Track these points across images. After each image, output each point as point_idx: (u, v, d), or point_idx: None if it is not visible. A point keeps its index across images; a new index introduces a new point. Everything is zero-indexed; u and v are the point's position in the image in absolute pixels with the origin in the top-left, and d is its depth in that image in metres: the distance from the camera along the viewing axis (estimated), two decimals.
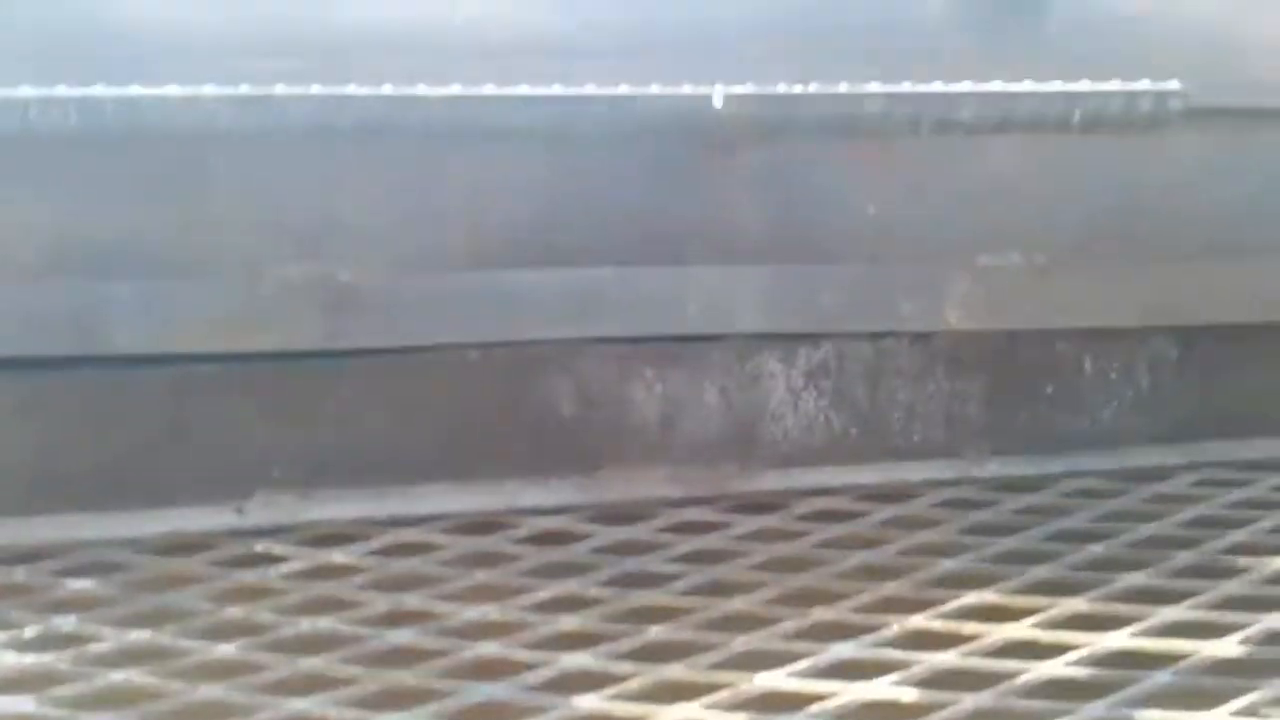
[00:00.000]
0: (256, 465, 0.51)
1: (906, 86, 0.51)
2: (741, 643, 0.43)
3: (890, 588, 0.46)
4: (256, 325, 0.52)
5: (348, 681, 0.40)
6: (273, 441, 0.51)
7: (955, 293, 0.57)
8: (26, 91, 0.47)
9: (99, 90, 0.47)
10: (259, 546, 0.48)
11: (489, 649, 0.42)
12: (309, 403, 0.52)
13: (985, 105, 0.51)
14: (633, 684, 0.40)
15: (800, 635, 0.43)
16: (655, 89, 0.49)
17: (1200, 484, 0.55)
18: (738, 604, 0.46)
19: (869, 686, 0.40)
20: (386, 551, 0.49)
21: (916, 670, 0.40)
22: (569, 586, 0.47)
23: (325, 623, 0.43)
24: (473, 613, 0.45)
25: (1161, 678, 0.40)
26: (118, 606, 0.44)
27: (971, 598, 0.45)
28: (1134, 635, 0.42)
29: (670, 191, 0.54)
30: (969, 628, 0.43)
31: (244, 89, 0.48)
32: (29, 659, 0.41)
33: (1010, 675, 0.40)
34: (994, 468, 0.57)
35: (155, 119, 0.48)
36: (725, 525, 0.52)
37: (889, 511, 0.53)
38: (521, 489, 0.53)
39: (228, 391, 0.51)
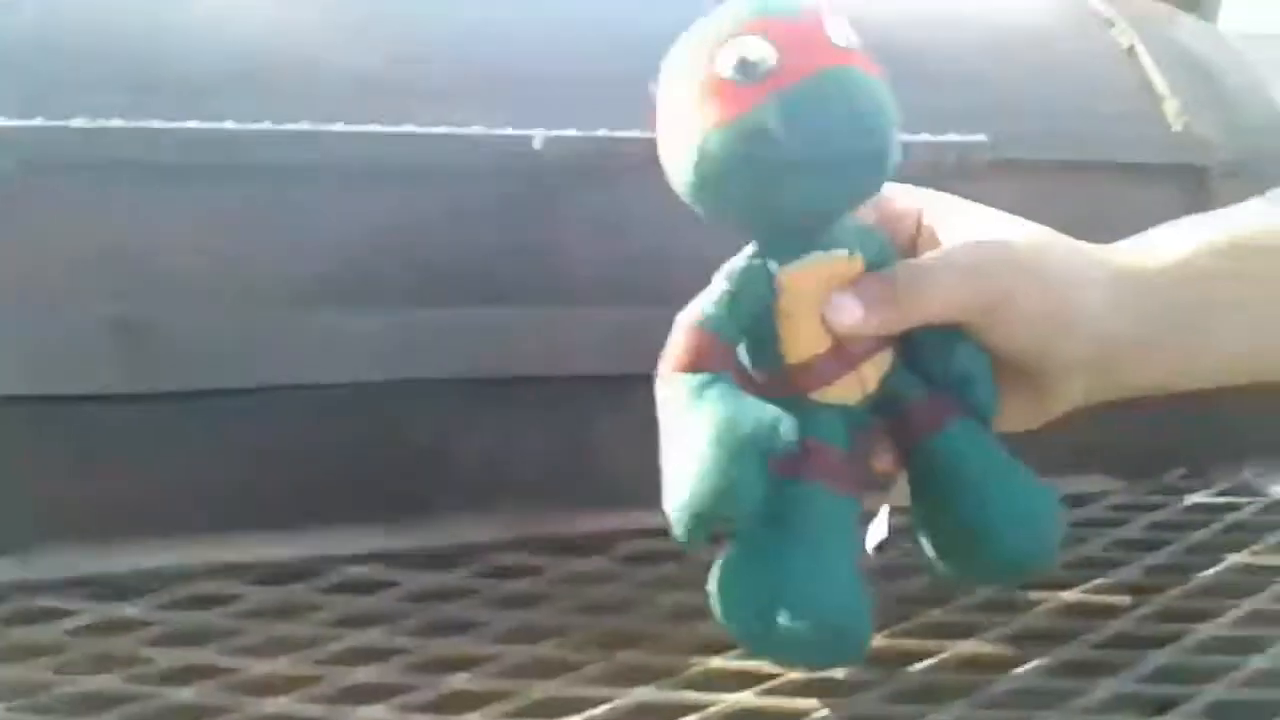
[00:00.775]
0: (45, 513, 0.48)
1: None
2: (541, 689, 0.42)
3: (701, 629, 0.46)
4: (52, 365, 0.49)
5: None
6: (63, 488, 0.49)
7: None
8: None
9: None
10: (44, 600, 0.46)
11: (276, 704, 0.40)
12: (106, 447, 0.50)
13: None
14: None
15: (603, 679, 0.43)
16: (476, 129, 0.49)
17: None
18: (545, 649, 0.45)
19: None
20: (181, 604, 0.47)
21: (712, 712, 0.41)
22: (371, 636, 0.46)
23: (106, 680, 0.42)
24: (264, 667, 0.43)
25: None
26: None
27: None
28: (929, 671, 0.43)
29: (497, 232, 0.54)
30: (768, 667, 0.43)
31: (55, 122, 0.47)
32: None
33: (804, 714, 0.41)
34: None
35: None
36: (544, 569, 0.51)
37: (711, 553, 0.53)
38: (332, 536, 0.51)
39: (17, 434, 0.49)
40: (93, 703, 0.40)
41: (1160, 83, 0.69)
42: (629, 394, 0.55)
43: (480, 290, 0.53)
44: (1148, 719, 0.42)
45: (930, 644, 0.45)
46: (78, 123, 0.47)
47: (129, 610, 0.46)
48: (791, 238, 0.41)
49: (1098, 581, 0.51)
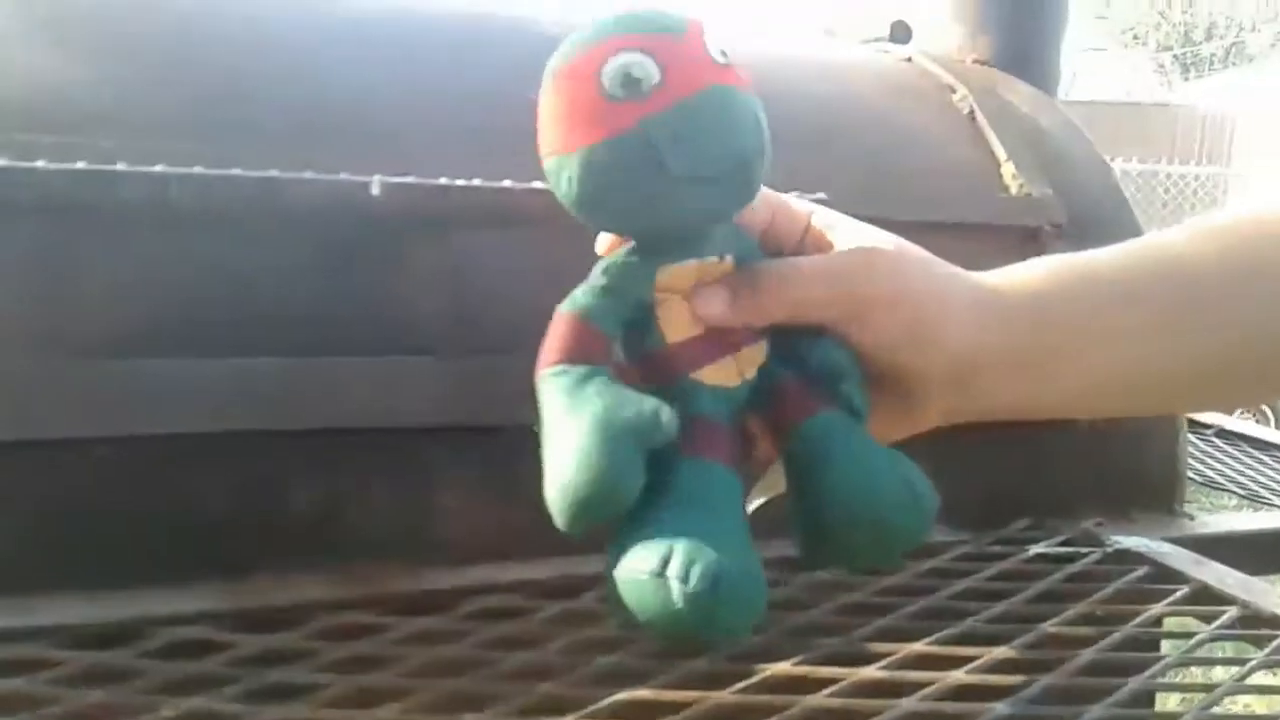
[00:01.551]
0: None
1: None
2: None
3: (545, 688, 0.45)
4: None
5: None
6: None
7: None
8: None
9: None
10: None
11: None
12: None
13: None
14: None
15: None
16: (308, 174, 0.47)
17: (853, 573, 0.57)
18: (384, 714, 0.43)
19: None
20: None
21: None
22: (197, 703, 0.43)
23: None
24: None
25: None
26: None
27: (623, 694, 0.45)
28: None
29: (332, 280, 0.52)
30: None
31: None
32: None
33: None
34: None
35: None
36: (384, 628, 0.49)
37: (557, 607, 0.52)
38: (158, 597, 0.48)
39: None
40: None
41: (998, 147, 0.72)
42: (469, 446, 0.55)
43: (314, 339, 0.51)
44: None
45: (776, 699, 0.45)
46: None
47: None
48: (671, 243, 0.42)
49: (946, 632, 0.51)
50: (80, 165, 0.45)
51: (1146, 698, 0.49)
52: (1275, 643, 0.51)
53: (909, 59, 0.84)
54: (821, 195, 0.55)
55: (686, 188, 0.39)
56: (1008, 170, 0.72)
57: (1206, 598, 0.56)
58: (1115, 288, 0.48)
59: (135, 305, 0.49)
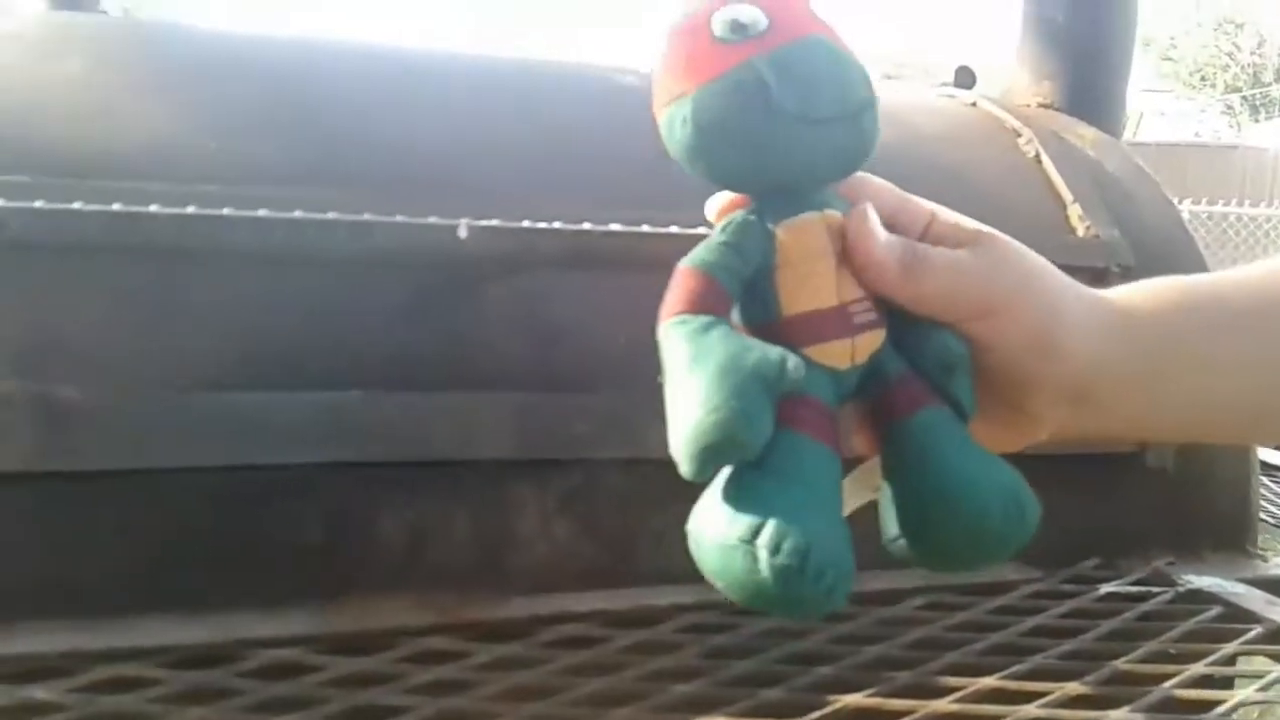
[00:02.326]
0: None
1: (645, 228, 0.54)
2: None
3: (621, 714, 0.47)
4: None
5: None
6: None
7: None
8: None
9: None
10: None
11: None
12: (15, 526, 0.49)
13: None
14: None
15: None
16: (399, 218, 0.50)
17: (926, 607, 0.58)
18: None
19: None
20: (96, 687, 0.46)
21: None
22: None
23: None
24: None
25: None
26: None
27: None
28: None
29: (419, 319, 0.55)
30: None
31: None
32: None
33: None
34: None
35: None
36: (467, 654, 0.51)
37: (633, 637, 0.54)
38: (254, 620, 0.51)
39: None
40: None
41: (1064, 190, 0.73)
42: (545, 478, 0.56)
43: (402, 375, 0.53)
44: None
45: None
46: None
47: (39, 694, 0.45)
48: (785, 198, 0.42)
49: (1016, 668, 0.52)
50: (190, 210, 0.48)
51: None
52: None
53: (974, 103, 0.85)
54: None
55: (800, 129, 0.39)
56: (1074, 212, 0.72)
57: (1279, 638, 0.56)
58: (1241, 315, 0.47)
59: (237, 342, 0.52)
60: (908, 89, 0.92)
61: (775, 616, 0.43)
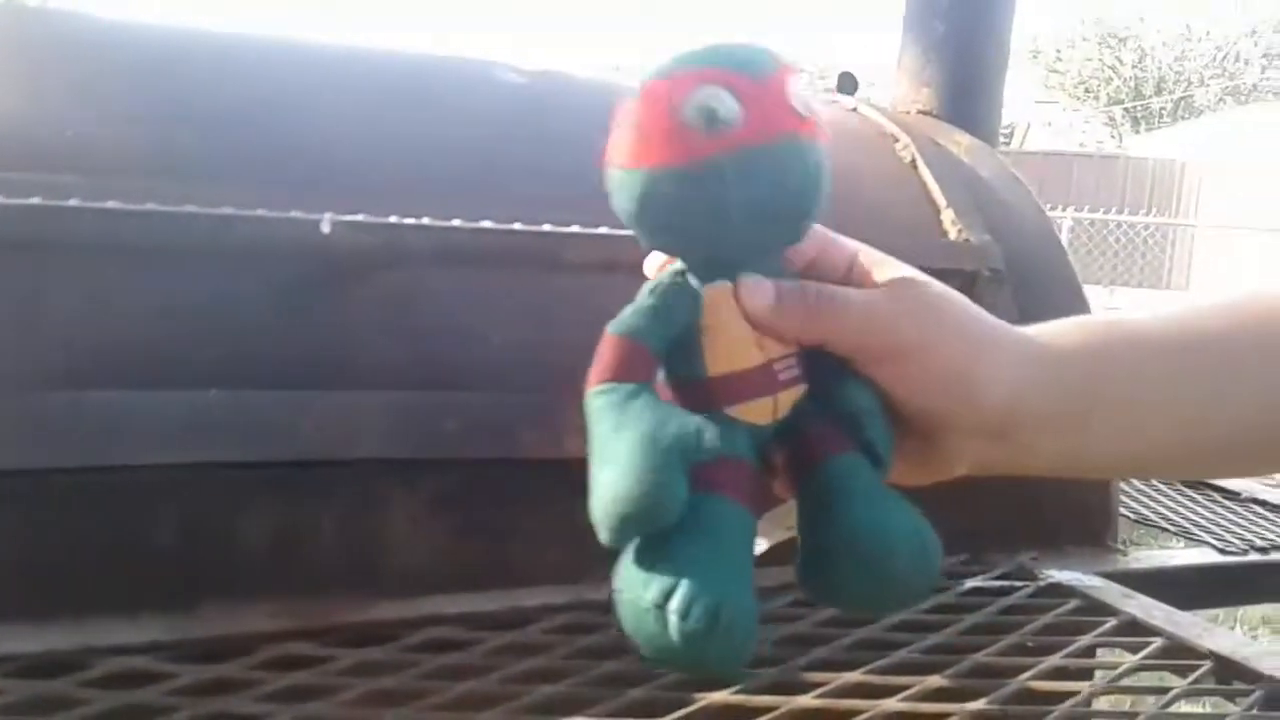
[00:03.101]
0: None
1: (517, 226, 0.53)
2: None
3: (484, 717, 0.46)
4: None
5: None
6: None
7: (575, 421, 0.59)
8: None
9: None
10: None
11: None
12: None
13: (592, 247, 0.54)
14: None
15: None
16: (260, 211, 0.48)
17: (795, 604, 0.58)
18: None
19: None
20: None
21: None
22: None
23: None
24: None
25: None
26: None
27: None
28: None
29: (285, 316, 0.53)
30: None
31: None
32: None
33: None
34: (609, 591, 0.58)
35: None
36: (327, 659, 0.50)
37: (502, 639, 0.53)
38: (104, 627, 0.49)
39: None
40: None
41: (938, 194, 0.74)
42: (417, 479, 0.55)
43: (265, 373, 0.52)
44: None
45: None
46: None
47: None
48: (722, 268, 0.43)
49: (880, 662, 0.53)
50: (35, 201, 0.46)
51: None
52: (1197, 672, 0.53)
53: (854, 109, 0.86)
54: None
55: (745, 223, 0.40)
56: (947, 216, 0.74)
57: (1134, 630, 0.58)
58: (1166, 353, 0.47)
59: (89, 339, 0.50)
60: None
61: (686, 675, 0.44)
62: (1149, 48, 20.56)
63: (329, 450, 0.54)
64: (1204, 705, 0.66)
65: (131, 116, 0.56)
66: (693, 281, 0.43)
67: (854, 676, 0.51)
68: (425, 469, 0.57)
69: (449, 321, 0.57)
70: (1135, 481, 0.99)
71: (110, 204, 0.47)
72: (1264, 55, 20.51)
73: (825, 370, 0.44)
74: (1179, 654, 0.55)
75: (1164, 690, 0.51)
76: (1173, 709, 0.50)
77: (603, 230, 0.55)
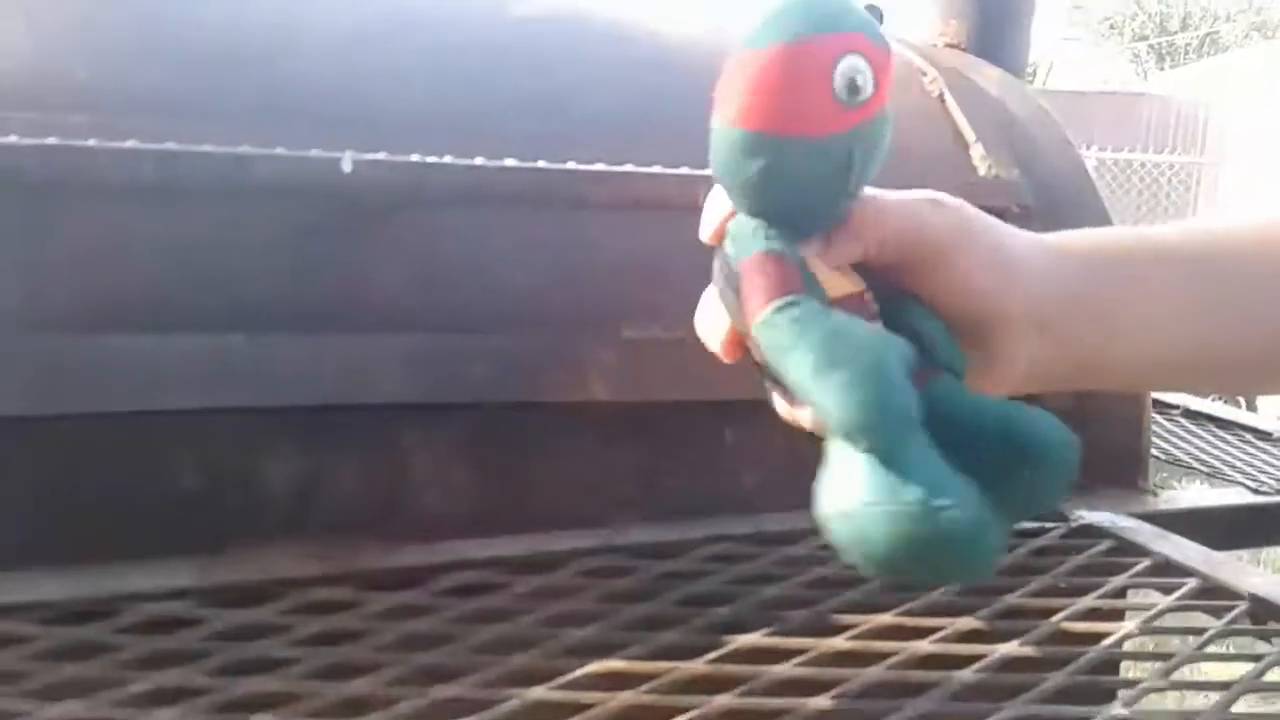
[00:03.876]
0: None
1: (541, 164, 0.52)
2: None
3: (518, 660, 0.46)
4: None
5: None
6: None
7: (601, 364, 0.58)
8: None
9: None
10: None
11: None
12: None
13: (617, 186, 0.53)
14: None
15: (416, 717, 0.42)
16: (281, 150, 0.47)
17: (825, 546, 0.58)
18: (357, 686, 0.44)
19: None
20: None
21: None
22: (172, 677, 0.43)
23: None
24: (56, 710, 0.40)
25: None
26: None
27: (595, 666, 0.45)
28: (741, 695, 0.44)
29: (303, 257, 0.53)
30: (587, 696, 0.43)
31: None
32: None
33: None
34: (637, 534, 0.58)
35: None
36: (358, 604, 0.50)
37: (530, 583, 0.53)
38: (133, 572, 0.49)
39: None
40: None
41: (967, 129, 0.73)
42: (440, 423, 0.55)
43: (285, 316, 0.51)
44: None
45: (745, 669, 0.46)
46: None
47: None
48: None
49: (911, 605, 0.52)
50: (51, 141, 0.45)
51: (1109, 666, 0.50)
52: (1232, 613, 0.52)
53: None
54: None
55: (847, 193, 0.41)
56: (976, 152, 0.72)
57: (1167, 570, 0.57)
58: (1186, 256, 0.48)
59: (106, 281, 0.49)
60: None
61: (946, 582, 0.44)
62: None
63: (350, 395, 0.53)
64: (1228, 647, 0.65)
65: (145, 58, 0.55)
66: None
67: (885, 619, 0.51)
68: (448, 413, 0.56)
69: (472, 263, 0.56)
70: (1165, 422, 0.97)
71: (129, 144, 0.46)
72: None
73: (884, 300, 0.44)
74: (1214, 594, 0.55)
75: (1200, 631, 0.50)
76: (1209, 649, 0.49)
77: (628, 168, 0.54)
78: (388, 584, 0.51)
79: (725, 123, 0.40)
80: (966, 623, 0.50)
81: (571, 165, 0.54)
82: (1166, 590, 0.55)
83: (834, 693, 0.44)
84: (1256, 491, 0.76)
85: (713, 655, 0.47)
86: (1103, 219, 0.77)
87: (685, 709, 0.43)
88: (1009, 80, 0.82)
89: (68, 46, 0.54)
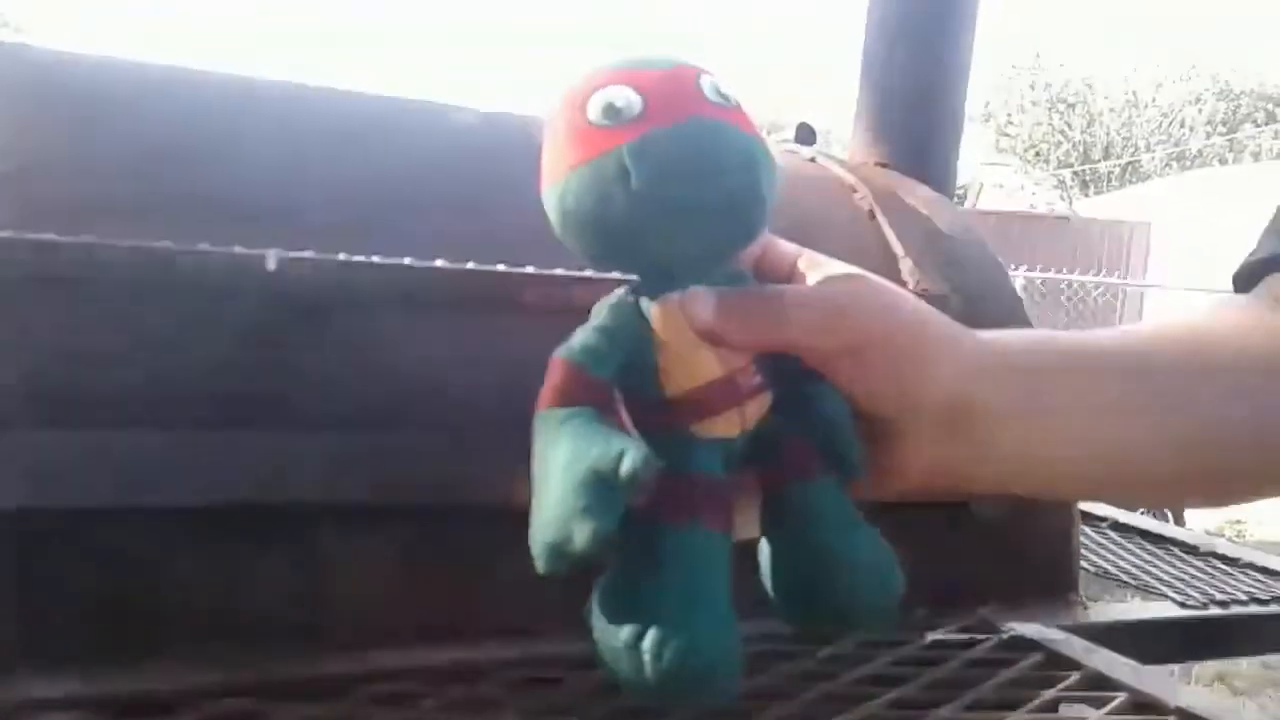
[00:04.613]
0: None
1: (470, 265, 0.52)
2: None
3: None
4: None
5: None
6: None
7: (529, 470, 0.57)
8: None
9: None
10: None
11: None
12: None
13: (547, 289, 0.53)
14: None
15: None
16: (204, 246, 0.47)
17: (759, 656, 0.57)
18: None
19: None
20: None
21: None
22: None
23: None
24: None
25: None
26: None
27: None
28: None
29: (225, 353, 0.51)
30: None
31: None
32: None
33: None
34: (565, 644, 0.56)
35: None
36: (269, 716, 0.48)
37: (452, 694, 0.51)
38: (25, 681, 0.46)
39: None
40: None
41: (896, 245, 0.74)
42: (363, 526, 0.53)
43: (202, 413, 0.50)
44: None
45: None
46: None
47: None
48: (662, 279, 0.42)
49: (843, 717, 0.51)
50: None
51: None
52: None
53: (813, 159, 0.86)
54: None
55: (665, 219, 0.39)
56: (905, 267, 0.74)
57: (1098, 684, 0.57)
58: (1116, 357, 0.48)
59: (15, 374, 0.48)
60: None
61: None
62: (1097, 113, 21.10)
63: (269, 494, 0.52)
64: None
65: (67, 151, 0.54)
66: (641, 300, 0.42)
67: None
68: (372, 516, 0.55)
69: (398, 363, 0.56)
70: (1093, 534, 0.98)
71: (45, 235, 0.45)
72: (1208, 122, 21.12)
73: (786, 376, 0.43)
74: (1144, 709, 0.54)
75: None
76: None
77: (559, 271, 0.54)
78: (303, 695, 0.49)
79: (541, 189, 0.42)
80: None
81: (501, 267, 0.54)
82: (1097, 704, 0.55)
83: None
84: (1184, 605, 0.76)
85: None
86: None
87: None
88: (937, 199, 0.85)
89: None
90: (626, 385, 0.42)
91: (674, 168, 0.38)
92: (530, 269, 0.54)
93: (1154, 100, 21.41)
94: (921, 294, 0.72)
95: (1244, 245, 0.58)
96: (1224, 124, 21.06)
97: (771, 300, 0.42)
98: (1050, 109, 21.27)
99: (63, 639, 0.47)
